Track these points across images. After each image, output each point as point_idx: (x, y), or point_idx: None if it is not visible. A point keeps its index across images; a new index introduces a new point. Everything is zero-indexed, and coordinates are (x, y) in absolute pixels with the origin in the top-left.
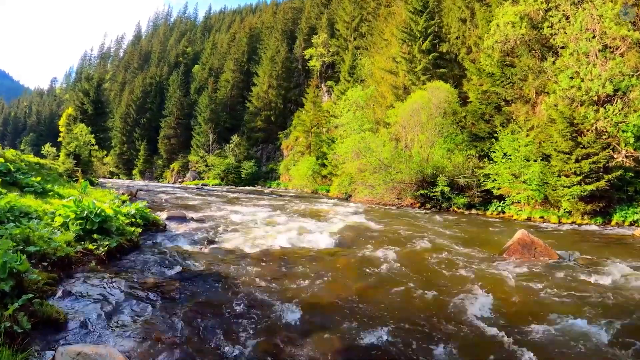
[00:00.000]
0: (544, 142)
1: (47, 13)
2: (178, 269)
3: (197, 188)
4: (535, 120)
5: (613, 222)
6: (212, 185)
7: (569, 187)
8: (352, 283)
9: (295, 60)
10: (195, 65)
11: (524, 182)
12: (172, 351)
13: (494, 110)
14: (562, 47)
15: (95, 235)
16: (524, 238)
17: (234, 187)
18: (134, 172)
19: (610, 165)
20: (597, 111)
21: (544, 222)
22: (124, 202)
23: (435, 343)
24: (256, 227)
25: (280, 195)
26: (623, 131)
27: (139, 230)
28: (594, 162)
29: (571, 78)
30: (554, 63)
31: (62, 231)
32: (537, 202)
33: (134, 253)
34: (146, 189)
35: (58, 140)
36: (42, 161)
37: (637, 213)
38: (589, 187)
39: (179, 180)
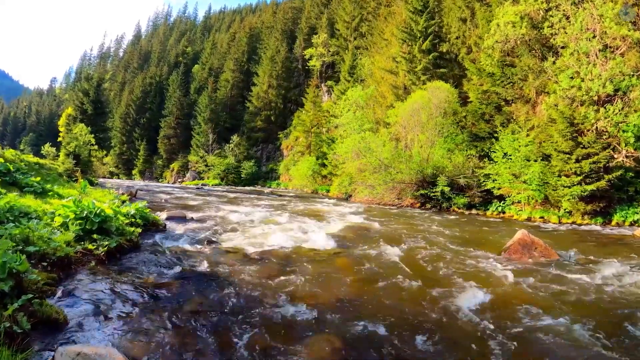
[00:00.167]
0: (544, 142)
1: (47, 13)
2: (178, 269)
3: (197, 188)
4: (536, 120)
5: (613, 222)
6: (212, 185)
7: (569, 187)
8: (352, 283)
9: (295, 60)
10: (195, 65)
11: (524, 182)
12: (172, 351)
13: (494, 110)
14: (563, 47)
15: (95, 236)
16: (524, 238)
17: (233, 187)
18: (133, 172)
19: (610, 165)
20: (597, 111)
21: (544, 222)
22: (123, 202)
23: (435, 343)
24: (256, 227)
25: (280, 195)
26: (623, 131)
27: (139, 230)
28: (594, 162)
29: (571, 78)
30: (554, 63)
31: (61, 231)
32: (537, 202)
33: (133, 253)
34: (146, 189)
35: (58, 140)
36: (41, 161)
37: (637, 213)
38: (590, 187)
39: (179, 180)
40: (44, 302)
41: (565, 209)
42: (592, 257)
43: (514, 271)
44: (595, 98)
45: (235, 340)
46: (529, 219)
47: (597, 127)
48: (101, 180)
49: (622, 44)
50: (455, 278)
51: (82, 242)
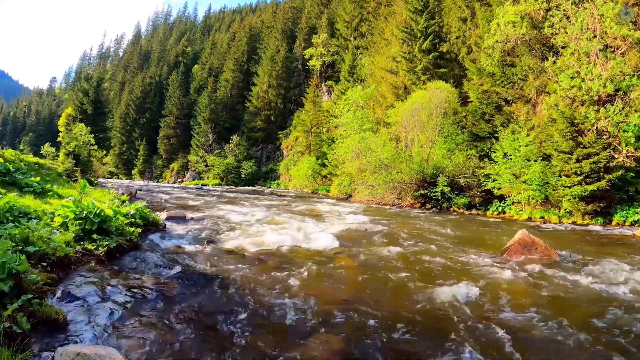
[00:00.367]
0: (544, 142)
1: (47, 13)
2: (178, 269)
3: (196, 188)
4: (536, 120)
5: (614, 222)
6: (212, 185)
7: (569, 187)
8: (352, 283)
9: (295, 60)
10: (195, 65)
11: (525, 182)
12: (172, 351)
13: (495, 110)
14: (563, 47)
15: (94, 236)
16: (525, 238)
17: (233, 187)
18: (133, 172)
19: (611, 165)
20: (597, 111)
21: (544, 222)
22: (123, 202)
23: (435, 343)
24: (256, 227)
25: (280, 196)
26: (624, 131)
27: (139, 230)
28: (594, 162)
29: (572, 78)
30: (554, 63)
31: (61, 231)
32: (537, 202)
33: (133, 253)
34: (146, 189)
35: (57, 140)
36: (41, 161)
37: (638, 213)
38: (590, 187)
39: (179, 180)
40: (43, 302)
41: (565, 209)
42: (592, 257)
43: (514, 271)
44: (596, 98)
45: (236, 340)
46: (529, 219)
47: (597, 127)
48: (101, 180)
49: (623, 43)
50: (456, 278)
51: (82, 242)
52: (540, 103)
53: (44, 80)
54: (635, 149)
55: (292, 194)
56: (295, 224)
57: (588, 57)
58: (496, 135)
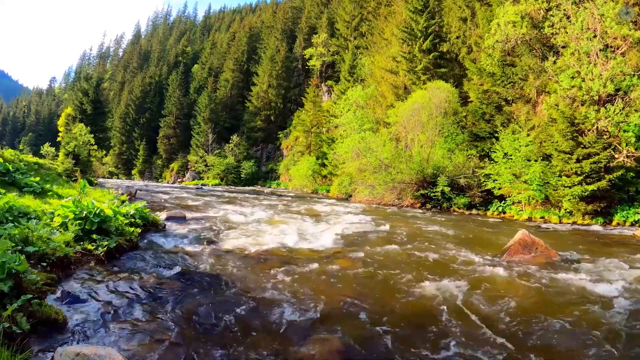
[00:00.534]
0: (544, 142)
1: (47, 13)
2: (178, 269)
3: (196, 188)
4: (536, 120)
5: (614, 223)
6: (212, 185)
7: (570, 187)
8: (351, 283)
9: (295, 60)
10: (195, 65)
11: (525, 182)
12: (172, 351)
13: (495, 110)
14: (563, 47)
15: (94, 236)
16: (525, 238)
17: (233, 187)
18: (133, 172)
19: (611, 165)
20: (598, 111)
21: (544, 223)
22: (123, 202)
23: (434, 343)
24: (256, 228)
25: (280, 196)
26: (624, 131)
27: (139, 230)
28: (595, 162)
29: (572, 78)
30: (554, 63)
31: (61, 231)
32: (538, 202)
33: (133, 253)
34: (145, 189)
35: (57, 140)
36: (41, 161)
37: (638, 213)
38: (590, 187)
39: (179, 180)
40: (43, 302)
41: (566, 209)
42: (593, 258)
43: (514, 271)
44: (596, 98)
45: (236, 339)
46: (529, 219)
47: (597, 127)
48: (101, 180)
49: (623, 43)
50: (456, 279)
51: (82, 242)
52: (541, 103)
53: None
54: (636, 149)
55: (292, 194)
56: (295, 224)
57: (588, 57)
58: (496, 135)
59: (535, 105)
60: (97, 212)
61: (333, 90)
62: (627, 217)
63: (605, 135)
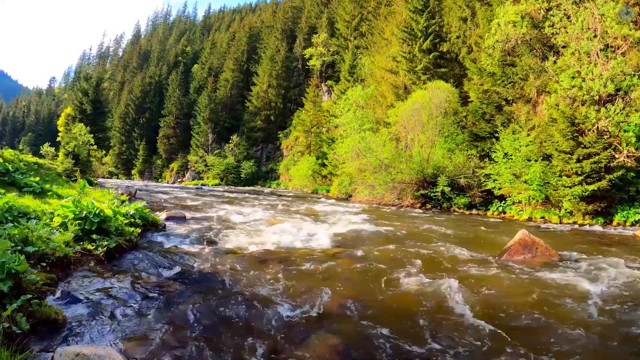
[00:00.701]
0: (545, 142)
1: (46, 12)
2: (177, 269)
3: (196, 188)
4: (536, 120)
5: (615, 223)
6: (212, 185)
7: (570, 187)
8: (351, 283)
9: (295, 60)
10: (195, 65)
11: (525, 182)
12: (172, 352)
13: (495, 110)
14: (564, 47)
15: (94, 236)
16: (525, 238)
17: (233, 187)
18: (133, 172)
19: (611, 165)
20: (598, 111)
21: (545, 223)
22: (123, 202)
23: (435, 342)
24: (255, 228)
25: (280, 196)
26: (625, 131)
27: (138, 230)
28: (595, 162)
29: (572, 77)
30: (555, 62)
31: (60, 231)
32: (538, 203)
33: (133, 253)
34: (145, 189)
35: (57, 140)
36: (40, 161)
37: (638, 213)
38: (591, 187)
39: (178, 180)
40: (43, 302)
41: (566, 209)
42: (593, 258)
43: (514, 271)
44: (596, 98)
45: (235, 340)
46: (529, 219)
47: (598, 127)
48: (100, 180)
49: (623, 43)
50: (456, 278)
51: (81, 242)
52: (541, 103)
53: (43, 80)
54: (636, 149)
55: (292, 194)
56: (295, 224)
57: (589, 56)
58: (496, 135)
59: (536, 105)
60: (96, 212)
61: (333, 90)
62: (628, 217)
63: (606, 135)
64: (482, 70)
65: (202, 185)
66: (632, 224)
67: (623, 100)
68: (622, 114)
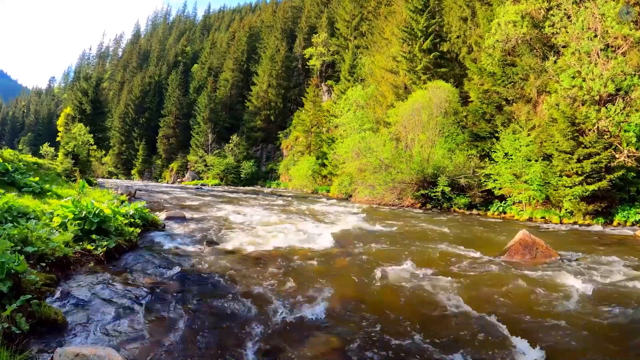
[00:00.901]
0: (545, 141)
1: (46, 12)
2: (177, 269)
3: (196, 188)
4: (537, 120)
5: (615, 223)
6: (212, 185)
7: (570, 187)
8: (351, 283)
9: (295, 60)
10: (195, 65)
11: (525, 182)
12: (171, 352)
13: (495, 109)
14: (564, 47)
15: (93, 236)
16: (525, 238)
17: (233, 187)
18: (132, 172)
19: (612, 165)
20: (598, 111)
21: (545, 223)
22: (122, 202)
23: (435, 343)
24: (255, 228)
25: (280, 196)
26: (625, 131)
27: (138, 230)
28: (595, 162)
29: (573, 77)
30: (555, 62)
31: (60, 231)
32: (538, 203)
33: (132, 253)
34: (145, 189)
35: (56, 140)
36: (40, 161)
37: (639, 213)
38: (591, 187)
39: (178, 180)
40: (42, 302)
41: (566, 209)
42: (593, 258)
43: (515, 271)
44: (597, 98)
45: (235, 340)
46: (530, 219)
47: (598, 127)
48: (100, 180)
49: (624, 43)
50: (456, 278)
51: (81, 243)
52: (541, 103)
53: (43, 79)
54: (637, 149)
55: (291, 194)
56: (295, 224)
57: (589, 56)
58: (497, 135)
59: (536, 105)
60: (96, 212)
61: (333, 90)
62: (628, 217)
63: (606, 135)
64: (482, 70)
65: (201, 185)
66: (633, 224)
67: (623, 100)
68: (622, 113)
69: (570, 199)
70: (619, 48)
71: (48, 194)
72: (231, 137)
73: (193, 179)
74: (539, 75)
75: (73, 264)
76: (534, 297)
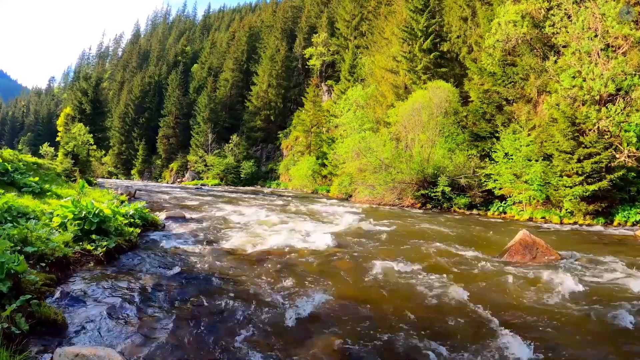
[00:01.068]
0: (545, 141)
1: (46, 12)
2: (177, 269)
3: (196, 188)
4: (537, 120)
5: (615, 223)
6: (212, 185)
7: (570, 187)
8: (351, 283)
9: (295, 60)
10: (194, 65)
11: (526, 182)
12: (171, 352)
13: (496, 109)
14: (564, 46)
15: (93, 236)
16: (526, 238)
17: (233, 187)
18: (132, 172)
19: (612, 165)
20: (599, 111)
21: (545, 223)
22: (122, 202)
23: (431, 342)
24: (255, 228)
25: (280, 196)
26: (625, 131)
27: (138, 230)
28: (596, 162)
29: (573, 77)
30: (555, 62)
31: (60, 231)
32: (538, 203)
33: (132, 253)
34: (145, 189)
35: (56, 140)
36: (40, 161)
37: (639, 213)
38: (591, 187)
39: (178, 180)
40: (42, 303)
41: (566, 209)
42: (594, 258)
43: (515, 271)
44: (597, 97)
45: (235, 339)
46: (530, 219)
47: (598, 127)
48: (100, 180)
49: (624, 43)
50: (456, 278)
51: (81, 243)
52: (541, 103)
53: (43, 79)
54: (637, 149)
55: (291, 194)
56: (295, 224)
57: (589, 56)
58: (497, 135)
59: (536, 105)
60: (96, 212)
61: (333, 90)
62: (629, 217)
63: (607, 135)
64: (482, 70)
65: (201, 185)
66: (633, 224)
67: (624, 100)
68: (622, 113)
69: (570, 199)
70: (619, 48)
71: (48, 194)
72: (231, 137)
73: (193, 179)
74: (539, 75)
75: (73, 264)
76: (533, 296)
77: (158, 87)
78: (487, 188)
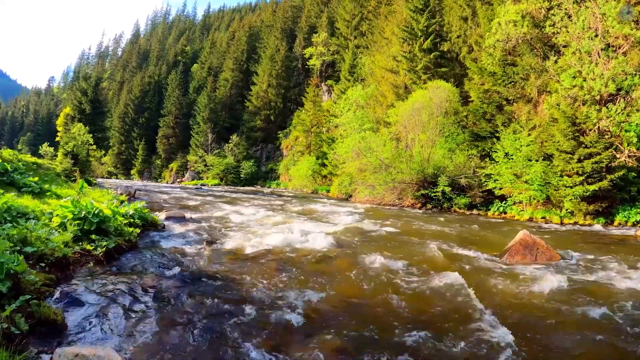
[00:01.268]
0: (545, 141)
1: (45, 12)
2: (177, 269)
3: (196, 188)
4: (537, 120)
5: (616, 223)
6: (211, 185)
7: (571, 187)
8: (351, 284)
9: (295, 59)
10: (194, 64)
11: (526, 182)
12: (171, 352)
13: (496, 109)
14: (564, 46)
15: (93, 236)
16: (526, 238)
17: (233, 187)
18: (132, 172)
19: (612, 165)
20: (599, 110)
21: (546, 223)
22: (122, 202)
23: (434, 343)
24: (255, 228)
25: (280, 196)
26: (626, 130)
27: (138, 230)
28: (596, 162)
29: (573, 77)
30: (556, 62)
31: (59, 232)
32: (539, 203)
33: (132, 253)
34: (145, 189)
35: (56, 140)
36: (39, 161)
37: (639, 213)
38: (592, 187)
39: (178, 180)
40: (42, 303)
41: (567, 209)
42: (594, 258)
43: (515, 271)
44: (598, 97)
45: (235, 340)
46: (530, 220)
47: (599, 127)
48: (99, 180)
49: (625, 43)
50: (456, 279)
51: (81, 243)
52: (542, 102)
53: (42, 79)
54: (637, 149)
55: (291, 194)
56: (295, 224)
57: (590, 56)
58: (497, 135)
59: (537, 105)
60: (96, 212)
61: (333, 90)
62: (629, 217)
63: (607, 135)
64: (482, 70)
65: (201, 185)
66: (634, 224)
67: (624, 99)
68: (623, 113)
69: (571, 199)
70: (619, 48)
71: (47, 194)
72: (231, 137)
73: (193, 179)
74: (540, 74)
75: (72, 264)
76: (533, 296)
77: (158, 87)
78: (487, 188)
